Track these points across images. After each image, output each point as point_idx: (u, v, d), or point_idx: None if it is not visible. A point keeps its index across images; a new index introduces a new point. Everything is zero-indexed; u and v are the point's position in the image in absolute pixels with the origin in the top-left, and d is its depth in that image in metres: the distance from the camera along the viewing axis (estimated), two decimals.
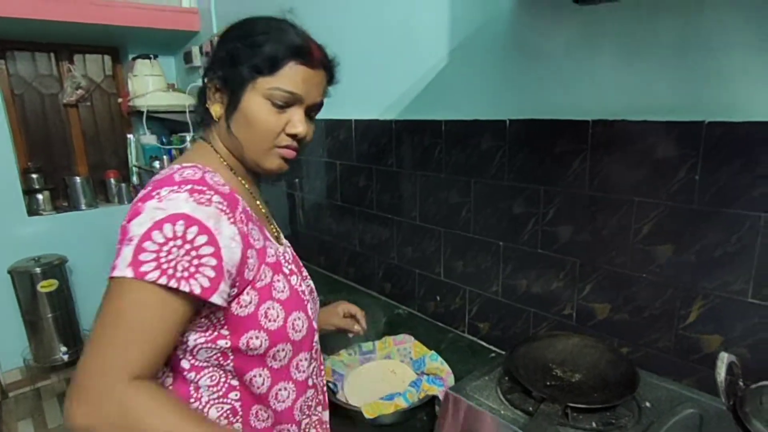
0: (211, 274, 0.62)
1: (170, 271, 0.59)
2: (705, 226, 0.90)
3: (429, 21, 1.33)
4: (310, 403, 0.84)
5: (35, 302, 2.75)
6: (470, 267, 1.36)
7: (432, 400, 1.03)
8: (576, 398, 0.83)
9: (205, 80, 0.77)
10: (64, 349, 2.86)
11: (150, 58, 2.77)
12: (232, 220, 0.67)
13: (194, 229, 0.61)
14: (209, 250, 0.62)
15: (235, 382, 0.73)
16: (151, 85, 2.72)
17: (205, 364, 0.71)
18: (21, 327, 2.84)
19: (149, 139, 3.03)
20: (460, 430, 0.88)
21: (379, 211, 1.63)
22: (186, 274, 0.60)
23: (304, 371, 0.81)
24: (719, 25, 0.84)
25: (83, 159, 3.26)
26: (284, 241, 0.88)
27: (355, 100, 1.63)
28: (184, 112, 2.52)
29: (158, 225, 0.60)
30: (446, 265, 1.43)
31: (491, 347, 1.33)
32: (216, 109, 0.76)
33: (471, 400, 0.88)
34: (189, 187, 0.64)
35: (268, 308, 0.72)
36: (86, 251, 3.05)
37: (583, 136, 1.03)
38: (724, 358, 0.69)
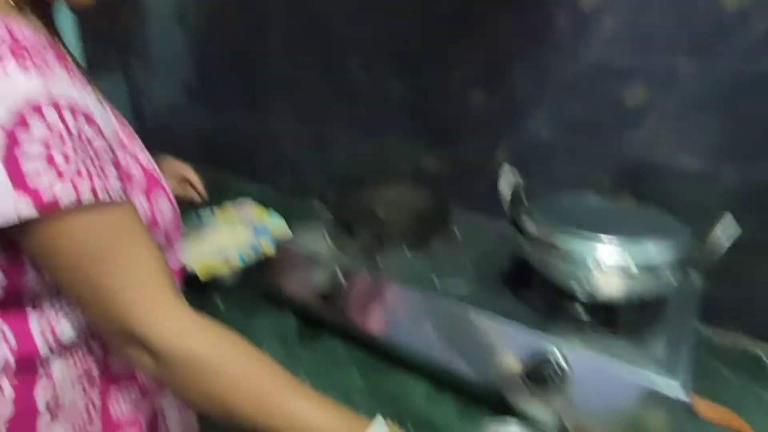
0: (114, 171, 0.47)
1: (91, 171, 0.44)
2: (509, 70, 0.96)
3: None
4: None
5: None
6: (308, 135, 1.34)
7: (267, 259, 1.04)
8: (393, 231, 0.89)
9: None
10: None
11: None
12: (82, 84, 0.48)
13: (68, 115, 0.43)
14: (90, 130, 0.45)
15: None
16: None
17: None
18: None
19: None
20: (290, 277, 0.91)
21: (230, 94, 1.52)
22: (94, 176, 0.44)
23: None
24: None
25: None
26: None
27: None
28: None
29: (14, 133, 0.40)
30: (289, 135, 1.40)
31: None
32: None
33: (299, 247, 0.91)
34: (9, 49, 0.42)
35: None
36: None
37: None
38: (506, 170, 0.76)
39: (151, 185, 0.57)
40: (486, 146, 1.05)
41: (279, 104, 1.40)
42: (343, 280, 0.80)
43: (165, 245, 0.59)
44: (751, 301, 0.85)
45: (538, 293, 0.76)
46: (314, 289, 0.82)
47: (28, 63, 0.42)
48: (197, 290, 0.99)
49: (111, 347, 0.56)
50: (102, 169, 0.45)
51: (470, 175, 1.10)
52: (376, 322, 0.80)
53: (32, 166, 0.41)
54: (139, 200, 0.54)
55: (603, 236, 0.64)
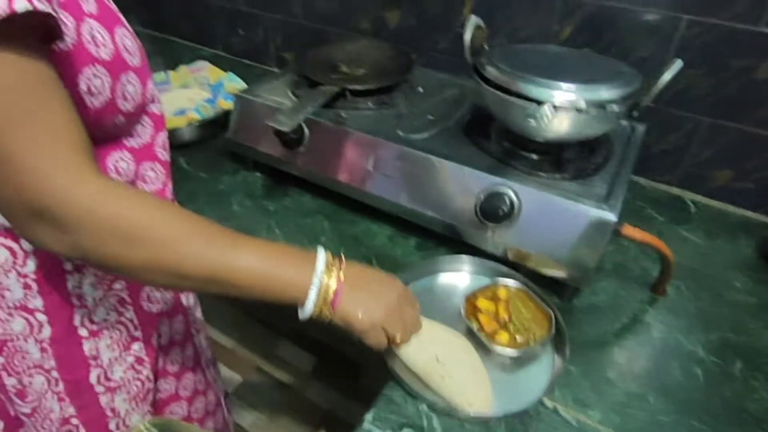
0: None
1: None
2: None
3: None
4: None
5: None
6: None
7: (226, 114, 1.01)
8: (355, 84, 0.88)
9: None
10: None
11: None
12: None
13: None
14: None
15: None
16: None
17: None
18: None
19: None
20: (252, 130, 0.91)
21: None
22: None
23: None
24: None
25: None
26: None
27: None
28: None
29: None
30: None
31: None
32: None
33: (259, 98, 0.89)
34: None
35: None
36: None
37: None
38: (472, 21, 0.75)
39: (113, 22, 0.49)
40: (450, 1, 1.01)
41: None
42: (306, 130, 0.81)
43: (139, 86, 0.52)
44: (683, 151, 0.93)
45: (495, 140, 0.80)
46: (276, 139, 0.83)
47: None
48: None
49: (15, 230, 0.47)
50: None
51: (434, 31, 1.07)
52: (340, 172, 0.83)
53: None
54: (102, 36, 0.47)
55: (558, 81, 0.67)
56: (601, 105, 0.65)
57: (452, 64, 1.07)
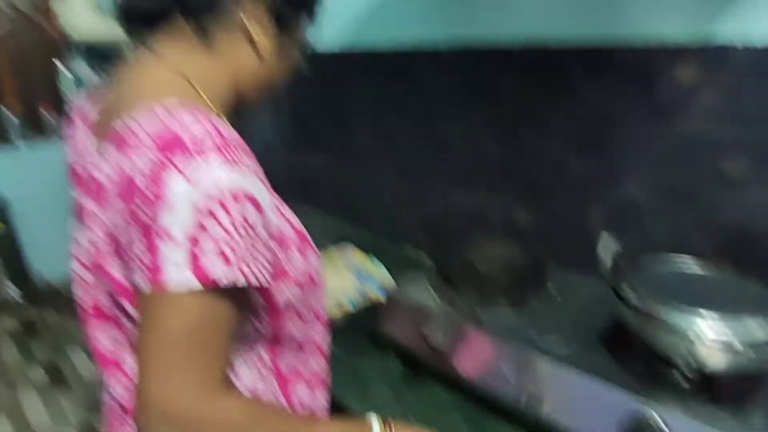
0: (268, 255, 0.55)
1: (245, 269, 0.51)
2: (607, 135, 1.02)
3: None
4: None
5: None
6: (408, 186, 1.46)
7: (375, 306, 1.15)
8: (494, 288, 0.96)
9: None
10: (16, 290, 2.84)
11: None
12: (259, 175, 0.56)
13: (246, 206, 0.51)
14: (259, 221, 0.53)
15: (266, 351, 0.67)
16: (81, 12, 2.55)
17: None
18: None
19: (82, 68, 2.88)
20: (398, 326, 1.01)
21: (324, 134, 1.69)
22: (252, 262, 0.52)
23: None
24: None
25: (13, 91, 3.07)
26: None
27: None
28: (117, 41, 2.40)
29: (205, 213, 0.48)
30: (387, 185, 1.53)
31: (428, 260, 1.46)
32: (265, 41, 0.64)
33: (406, 298, 1.00)
34: (211, 145, 0.50)
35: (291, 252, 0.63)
36: (28, 191, 2.96)
37: (507, 63, 1.12)
38: (604, 238, 0.82)
39: (303, 243, 0.64)
40: (581, 205, 1.10)
41: (375, 154, 1.53)
42: (449, 332, 0.89)
43: (315, 290, 0.68)
44: None
45: (638, 358, 0.80)
46: (421, 338, 0.91)
47: (227, 157, 0.51)
48: None
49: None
50: (254, 258, 0.52)
51: (563, 233, 1.15)
52: (478, 373, 0.87)
53: (208, 246, 0.48)
54: (295, 257, 0.62)
55: (705, 311, 0.68)
56: (754, 344, 0.65)
57: (585, 264, 1.13)
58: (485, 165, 1.25)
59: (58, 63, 2.97)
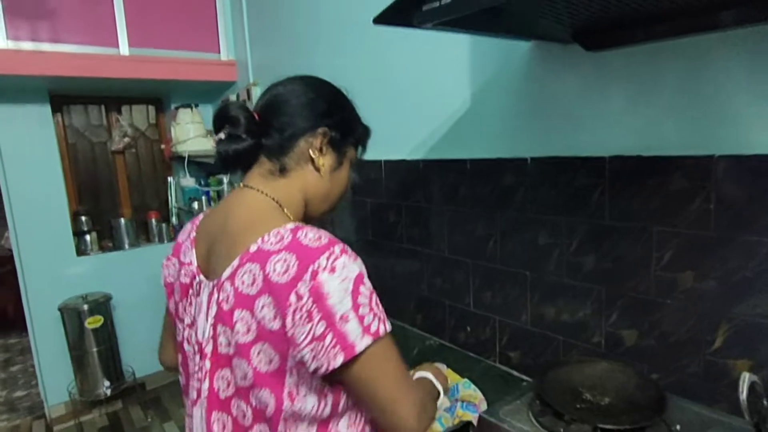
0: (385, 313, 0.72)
1: (383, 316, 0.69)
2: (723, 252, 0.94)
3: (451, 67, 1.44)
4: None
5: (82, 338, 2.89)
6: (499, 297, 1.41)
7: (466, 426, 1.07)
8: (606, 420, 0.87)
9: (316, 128, 0.80)
10: (107, 383, 2.97)
11: (191, 107, 2.98)
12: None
13: (368, 282, 0.69)
14: (375, 293, 0.71)
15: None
16: (192, 132, 2.91)
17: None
18: (68, 362, 2.98)
19: (188, 181, 3.21)
20: None
21: (409, 244, 1.71)
22: (384, 315, 0.70)
23: None
24: (723, 66, 0.91)
25: (127, 202, 3.46)
26: None
27: (385, 143, 1.74)
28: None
29: (355, 292, 0.66)
30: (475, 296, 1.48)
31: (522, 376, 1.36)
32: (323, 162, 0.81)
33: (504, 423, 0.92)
34: (338, 247, 0.68)
35: None
36: (129, 288, 3.20)
37: (600, 171, 1.10)
38: (745, 378, 0.72)
39: None
40: (696, 325, 1.00)
41: (461, 261, 1.51)
42: None
43: None
44: None
45: None
46: None
47: (349, 254, 0.69)
48: None
49: None
50: (383, 312, 0.70)
51: (678, 354, 1.03)
52: None
53: (364, 312, 0.66)
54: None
55: None
56: None
57: (706, 391, 1.00)
58: (580, 276, 1.18)
59: (169, 178, 3.35)
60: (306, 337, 0.64)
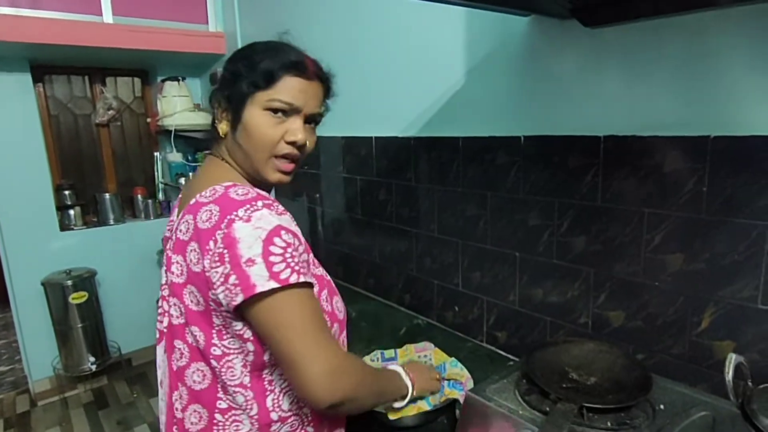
0: (307, 269, 0.75)
1: (300, 269, 0.71)
2: (714, 235, 0.94)
3: (446, 43, 1.40)
4: None
5: (66, 313, 2.86)
6: (488, 277, 1.40)
7: (453, 404, 1.07)
8: (591, 399, 0.87)
9: (212, 101, 0.87)
10: (92, 359, 2.96)
11: (178, 80, 2.90)
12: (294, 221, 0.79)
13: (290, 236, 0.72)
14: (302, 248, 0.75)
15: None
16: (179, 106, 2.84)
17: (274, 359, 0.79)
18: (52, 337, 2.95)
19: (175, 156, 3.15)
20: (480, 428, 0.92)
21: (398, 224, 1.69)
22: (304, 270, 0.72)
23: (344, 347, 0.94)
24: (722, 46, 0.89)
25: (113, 176, 3.39)
26: None
27: (376, 119, 1.71)
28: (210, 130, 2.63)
29: (268, 241, 0.69)
30: (464, 276, 1.48)
31: (509, 356, 1.37)
32: (222, 127, 0.85)
33: (490, 402, 0.92)
34: (263, 203, 0.73)
35: (323, 293, 0.84)
36: (114, 264, 3.16)
37: (594, 151, 1.09)
38: (731, 359, 0.72)
39: (331, 291, 0.89)
40: (683, 307, 1.00)
41: (451, 241, 1.50)
42: None
43: (339, 332, 0.88)
44: None
45: None
46: None
47: (273, 209, 0.74)
48: (380, 428, 1.05)
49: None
50: (304, 267, 0.73)
51: (663, 335, 1.04)
52: None
53: (275, 260, 0.69)
54: (324, 295, 0.84)
55: None
56: None
57: (690, 372, 1.01)
58: (569, 258, 1.18)
59: (156, 153, 3.28)
60: (218, 278, 0.70)
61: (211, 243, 0.71)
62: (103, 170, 3.36)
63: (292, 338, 0.70)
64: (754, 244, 0.89)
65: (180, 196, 0.93)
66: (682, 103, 0.96)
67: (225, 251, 0.69)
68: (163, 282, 0.85)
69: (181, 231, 0.77)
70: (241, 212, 0.71)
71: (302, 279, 0.71)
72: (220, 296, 0.71)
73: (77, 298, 2.84)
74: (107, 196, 3.21)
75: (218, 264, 0.70)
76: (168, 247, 0.82)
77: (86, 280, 2.90)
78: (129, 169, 3.46)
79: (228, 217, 0.70)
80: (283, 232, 0.71)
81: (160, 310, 0.87)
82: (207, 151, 2.92)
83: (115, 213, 3.23)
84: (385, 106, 1.66)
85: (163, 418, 0.89)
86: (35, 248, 2.90)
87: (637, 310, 1.08)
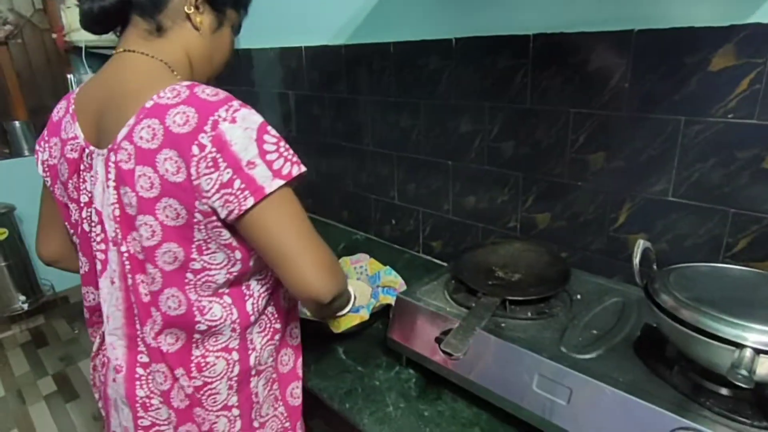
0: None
1: (297, 159, 0.69)
2: (633, 132, 0.96)
3: None
4: None
5: None
6: (422, 189, 1.40)
7: (387, 309, 1.10)
8: (514, 293, 0.91)
9: None
10: (22, 298, 2.82)
11: None
12: None
13: (273, 130, 0.68)
14: (284, 141, 0.70)
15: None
16: None
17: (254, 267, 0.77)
18: None
19: (89, 76, 2.86)
20: (411, 330, 0.95)
21: (333, 139, 1.64)
22: (297, 159, 0.70)
23: None
24: None
25: (20, 102, 3.06)
26: None
27: (305, 27, 1.59)
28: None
29: (260, 140, 0.65)
30: (400, 189, 1.47)
31: (443, 264, 1.40)
32: (201, 20, 0.76)
33: (420, 302, 0.95)
34: (237, 102, 0.67)
35: None
36: (35, 198, 2.93)
37: (524, 51, 1.06)
38: (639, 245, 0.76)
39: None
40: (603, 204, 1.04)
41: (386, 154, 1.48)
42: (466, 341, 0.83)
43: None
44: None
45: (677, 369, 0.73)
46: (437, 347, 0.85)
47: (248, 107, 0.67)
48: (323, 339, 1.06)
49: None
50: (295, 156, 0.69)
51: (585, 233, 1.09)
52: (497, 385, 0.81)
53: (272, 157, 0.66)
54: None
55: (754, 320, 0.62)
56: None
57: (607, 265, 1.07)
58: (499, 163, 1.19)
59: (69, 75, 2.96)
60: (213, 185, 0.64)
61: (195, 148, 0.63)
62: (8, 96, 3.01)
63: (293, 235, 0.69)
64: (669, 138, 0.92)
65: (71, 106, 0.77)
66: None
67: (218, 155, 0.63)
68: (107, 203, 0.72)
69: (143, 138, 0.66)
70: (222, 113, 0.64)
71: (303, 168, 0.69)
72: (216, 204, 0.65)
73: None
74: (17, 124, 2.91)
75: (211, 170, 0.63)
76: (118, 159, 0.69)
77: (4, 216, 2.70)
78: (39, 93, 3.12)
79: (211, 118, 0.64)
80: (268, 127, 0.67)
81: (97, 237, 0.76)
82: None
83: (29, 142, 2.95)
84: (312, 13, 1.54)
85: (116, 353, 0.79)
86: None
87: (561, 211, 1.11)
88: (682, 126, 0.89)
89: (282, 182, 0.66)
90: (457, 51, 1.19)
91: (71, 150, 0.76)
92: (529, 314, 0.88)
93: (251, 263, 0.74)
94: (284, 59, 1.71)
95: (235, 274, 0.74)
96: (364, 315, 1.05)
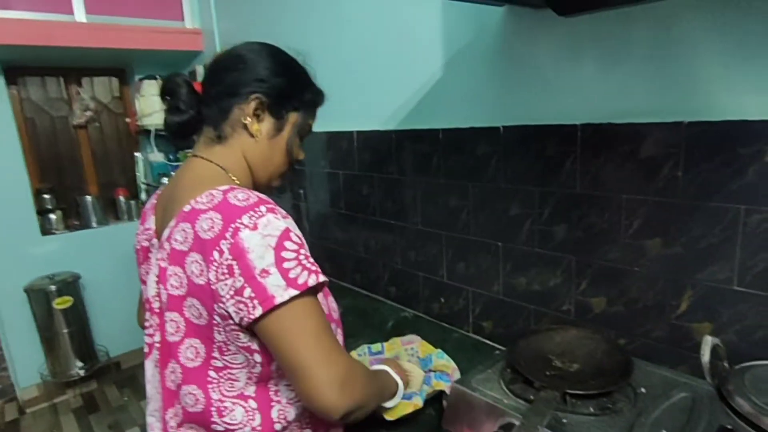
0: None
1: (316, 268, 0.70)
2: (690, 219, 0.95)
3: (423, 36, 1.39)
4: None
5: (51, 319, 2.82)
6: (472, 268, 1.41)
7: (440, 395, 1.08)
8: (574, 385, 0.88)
9: (242, 94, 0.81)
10: (80, 364, 2.93)
11: (156, 79, 2.86)
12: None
13: (297, 236, 0.71)
14: (306, 249, 0.72)
15: None
16: (158, 105, 2.80)
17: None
18: (38, 344, 2.91)
19: (157, 156, 3.11)
20: (467, 421, 0.93)
21: (382, 217, 1.69)
22: (316, 268, 0.71)
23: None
24: (691, 33, 0.90)
25: (93, 178, 3.34)
26: None
27: (357, 113, 1.70)
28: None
29: (279, 247, 0.67)
30: (449, 268, 1.48)
31: (495, 345, 1.38)
32: (257, 128, 0.82)
33: (475, 392, 0.93)
34: (266, 207, 0.70)
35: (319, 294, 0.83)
36: (98, 267, 3.13)
37: (572, 139, 1.09)
38: (708, 341, 0.74)
39: (325, 291, 0.87)
40: (662, 291, 1.01)
41: (434, 233, 1.51)
42: None
43: (336, 329, 0.87)
44: None
45: None
46: None
47: (277, 213, 0.71)
48: (371, 425, 1.05)
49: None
50: (316, 264, 0.71)
51: (644, 319, 1.05)
52: None
53: (289, 265, 0.67)
54: (322, 300, 0.80)
55: None
56: None
57: (670, 354, 1.02)
58: (551, 246, 1.19)
59: (136, 154, 3.23)
60: (228, 291, 0.67)
61: (216, 254, 0.67)
62: (83, 172, 3.30)
63: (305, 346, 0.67)
64: (728, 226, 0.90)
65: (154, 201, 0.89)
66: (655, 90, 0.96)
67: (234, 263, 0.66)
68: (153, 294, 0.80)
69: (177, 241, 0.72)
70: (245, 219, 0.67)
71: (321, 279, 0.70)
72: (230, 310, 0.67)
73: (61, 303, 2.80)
74: (89, 198, 3.17)
75: (227, 276, 0.66)
76: (160, 257, 0.76)
77: (70, 285, 2.87)
78: (110, 170, 3.41)
79: (232, 225, 0.67)
80: (291, 234, 0.69)
81: (147, 324, 0.84)
82: (188, 150, 2.89)
83: (97, 215, 3.19)
84: (364, 101, 1.65)
85: None
86: (16, 254, 2.86)
87: (618, 296, 1.09)
88: (743, 215, 0.88)
89: (296, 292, 0.66)
90: (504, 138, 1.24)
91: (145, 239, 0.85)
92: (592, 409, 0.85)
93: (272, 368, 0.75)
94: (335, 142, 1.82)
95: (257, 375, 0.74)
96: (418, 403, 1.03)
